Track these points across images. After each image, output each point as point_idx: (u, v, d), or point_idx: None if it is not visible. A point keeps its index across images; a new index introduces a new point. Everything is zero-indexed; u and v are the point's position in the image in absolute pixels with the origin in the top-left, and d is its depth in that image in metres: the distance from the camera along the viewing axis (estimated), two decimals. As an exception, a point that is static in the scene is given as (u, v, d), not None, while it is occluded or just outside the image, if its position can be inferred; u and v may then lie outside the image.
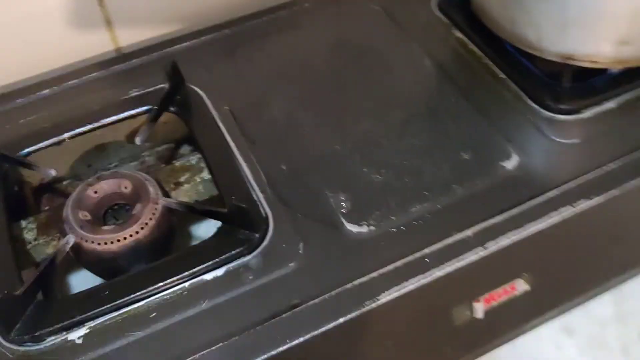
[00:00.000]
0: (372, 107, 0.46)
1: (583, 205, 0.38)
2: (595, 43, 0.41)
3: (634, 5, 0.39)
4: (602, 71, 0.43)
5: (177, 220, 0.43)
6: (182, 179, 0.45)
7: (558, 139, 0.42)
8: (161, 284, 0.37)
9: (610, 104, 0.43)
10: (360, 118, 0.45)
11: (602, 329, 0.43)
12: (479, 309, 0.38)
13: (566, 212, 0.38)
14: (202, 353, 0.34)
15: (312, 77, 0.49)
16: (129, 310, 0.36)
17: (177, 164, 0.46)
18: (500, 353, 0.42)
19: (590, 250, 0.41)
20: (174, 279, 0.37)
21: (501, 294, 0.38)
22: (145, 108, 0.47)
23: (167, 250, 0.42)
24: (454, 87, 0.46)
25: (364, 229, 0.38)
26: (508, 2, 0.44)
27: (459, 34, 0.50)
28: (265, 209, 0.40)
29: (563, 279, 0.41)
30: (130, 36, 0.55)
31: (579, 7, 0.40)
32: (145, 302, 0.36)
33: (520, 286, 0.38)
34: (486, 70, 0.47)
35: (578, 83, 0.44)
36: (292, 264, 0.37)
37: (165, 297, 0.36)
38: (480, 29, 0.47)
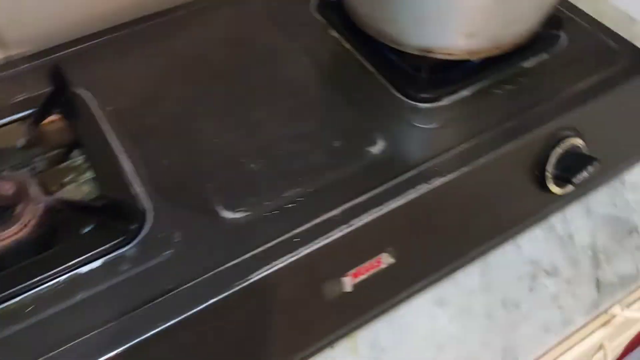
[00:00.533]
0: (255, 102, 0.48)
1: (437, 181, 0.42)
2: (448, 36, 0.45)
3: (477, 1, 0.44)
4: (460, 62, 0.48)
5: (63, 220, 0.44)
6: (66, 180, 0.46)
7: (419, 125, 0.45)
8: (38, 278, 0.37)
9: (465, 92, 0.47)
10: (244, 113, 0.48)
11: (470, 298, 0.47)
12: (348, 283, 0.41)
13: (422, 188, 0.41)
14: (76, 341, 0.35)
15: (201, 75, 0.51)
16: (6, 305, 0.37)
17: (62, 165, 0.47)
18: (377, 325, 0.45)
19: (450, 224, 0.45)
20: (51, 272, 0.38)
21: (368, 268, 0.41)
22: (30, 111, 0.47)
23: (50, 249, 0.42)
24: (330, 82, 0.50)
25: (238, 215, 0.41)
26: (373, 1, 0.47)
27: (334, 33, 0.53)
28: (144, 201, 0.41)
29: (427, 251, 0.45)
30: (20, 42, 0.55)
31: (433, 4, 0.44)
32: (22, 297, 0.37)
33: (386, 259, 0.42)
34: (358, 65, 0.50)
35: (438, 74, 0.48)
36: (168, 252, 0.39)
37: (41, 291, 0.37)
38: (353, 28, 0.51)
